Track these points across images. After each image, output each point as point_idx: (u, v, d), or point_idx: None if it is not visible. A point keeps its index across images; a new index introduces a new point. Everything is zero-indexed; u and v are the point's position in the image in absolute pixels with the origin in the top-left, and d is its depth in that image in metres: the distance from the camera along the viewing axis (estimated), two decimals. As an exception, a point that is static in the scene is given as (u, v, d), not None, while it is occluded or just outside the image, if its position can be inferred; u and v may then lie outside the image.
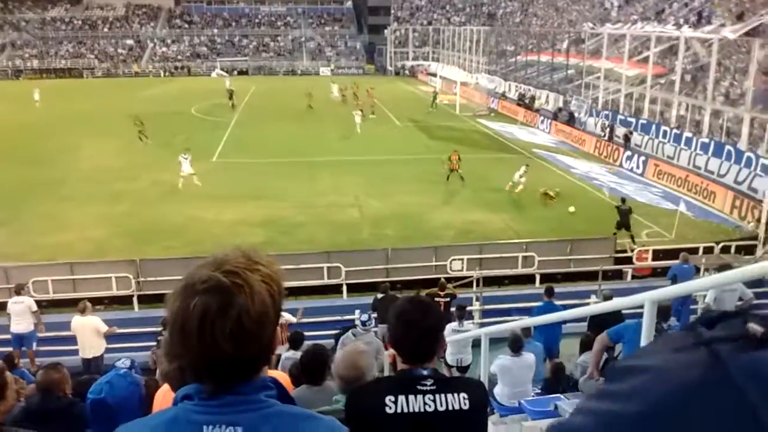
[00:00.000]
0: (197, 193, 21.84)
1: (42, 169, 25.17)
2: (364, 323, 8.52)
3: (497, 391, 7.43)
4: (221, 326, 1.27)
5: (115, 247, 16.96)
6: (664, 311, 6.24)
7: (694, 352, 0.44)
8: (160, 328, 10.58)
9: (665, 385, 0.43)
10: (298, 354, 6.77)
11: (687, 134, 25.96)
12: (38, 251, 16.41)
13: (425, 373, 2.33)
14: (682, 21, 35.62)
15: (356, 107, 38.43)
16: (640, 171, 25.94)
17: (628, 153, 27.34)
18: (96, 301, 14.50)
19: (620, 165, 27.38)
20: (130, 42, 79.77)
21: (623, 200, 18.24)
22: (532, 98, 41.63)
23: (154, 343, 10.56)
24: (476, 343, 9.06)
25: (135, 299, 14.59)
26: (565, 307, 9.56)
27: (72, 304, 13.54)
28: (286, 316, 11.33)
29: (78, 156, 27.63)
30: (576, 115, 34.84)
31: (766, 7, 30.46)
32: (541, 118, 37.45)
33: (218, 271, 1.31)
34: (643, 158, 26.35)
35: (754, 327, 0.45)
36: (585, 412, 0.50)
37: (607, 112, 32.54)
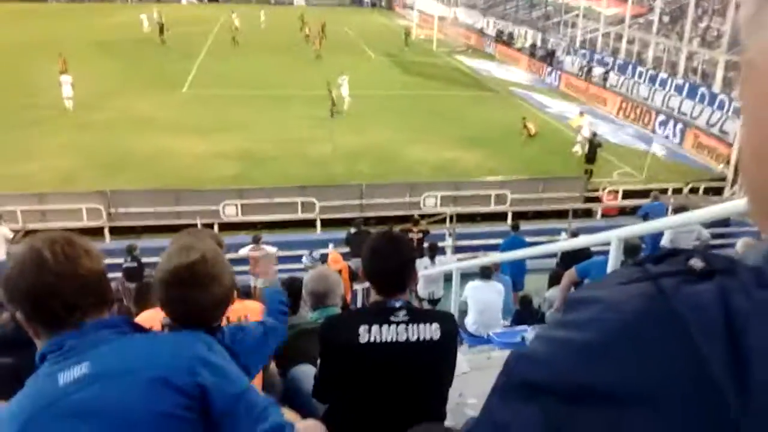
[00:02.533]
0: (168, 124, 21.43)
1: (6, 98, 24.34)
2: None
3: (467, 321, 7.66)
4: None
5: (84, 177, 16.67)
6: (634, 249, 6.40)
7: (641, 286, 0.48)
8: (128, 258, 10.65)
9: (613, 314, 0.47)
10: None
11: (662, 75, 26.01)
12: (5, 181, 16.06)
13: (398, 304, 2.40)
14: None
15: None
16: (677, 140, 22.22)
17: (662, 117, 23.59)
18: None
19: (653, 131, 23.39)
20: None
21: (594, 134, 18.52)
22: (510, 35, 41.09)
23: (120, 274, 10.63)
24: (447, 278, 9.28)
25: (106, 231, 14.49)
26: (535, 245, 9.80)
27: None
28: (269, 249, 11.46)
29: (40, 85, 26.71)
30: (555, 53, 34.58)
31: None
32: (549, 69, 33.39)
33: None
34: (680, 126, 22.45)
35: (696, 262, 0.49)
36: (543, 340, 0.55)
37: (584, 52, 32.33)
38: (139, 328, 1.73)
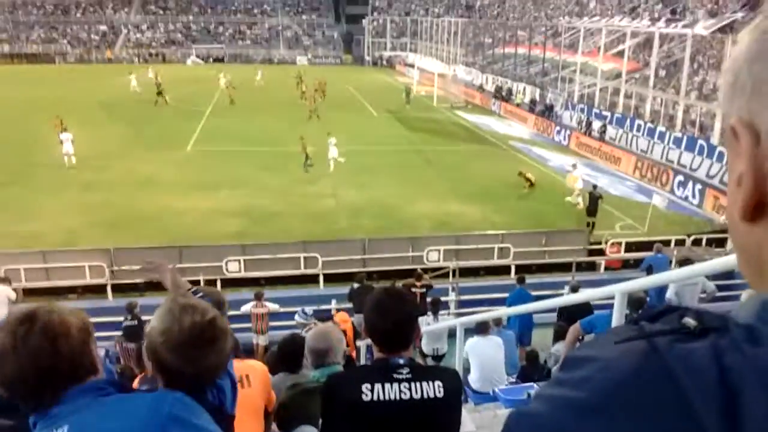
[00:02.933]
0: (172, 182, 21.65)
1: (12, 156, 24.70)
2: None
3: (471, 377, 7.55)
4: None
5: (88, 236, 16.73)
6: (638, 302, 6.37)
7: (636, 344, 0.49)
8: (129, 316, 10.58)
9: (609, 373, 0.48)
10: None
11: (660, 128, 26.34)
12: (9, 239, 16.13)
13: (401, 361, 2.38)
14: (657, 16, 35.98)
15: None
16: (696, 201, 21.27)
17: (681, 178, 22.44)
18: (69, 290, 14.39)
19: (671, 191, 22.21)
20: (103, 28, 78.21)
21: (594, 187, 18.63)
22: (509, 91, 41.85)
23: (120, 332, 10.54)
24: (452, 333, 9.18)
25: (109, 288, 14.45)
26: (539, 298, 9.74)
27: (46, 294, 13.38)
28: (270, 306, 11.41)
29: (48, 143, 27.12)
30: (554, 108, 35.15)
31: (739, 3, 30.94)
32: (558, 128, 32.77)
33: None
34: (699, 186, 21.34)
35: (689, 320, 0.50)
36: (541, 399, 0.55)
37: (582, 106, 32.86)
38: (124, 388, 1.77)
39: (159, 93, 38.47)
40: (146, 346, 1.82)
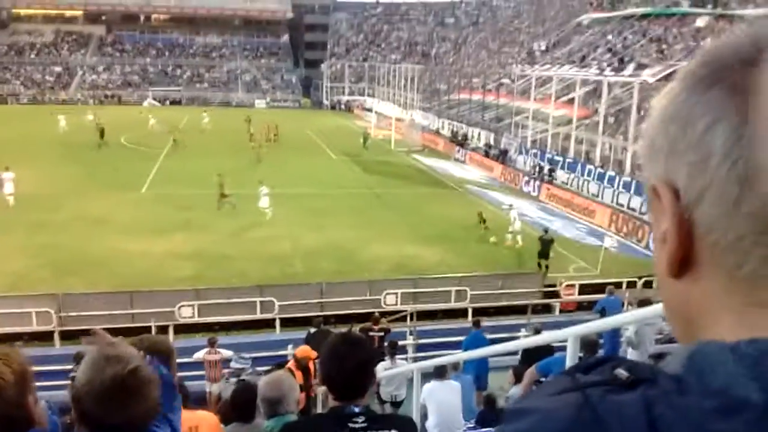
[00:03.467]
0: (124, 226, 21.20)
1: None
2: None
3: (429, 424, 7.47)
4: None
5: (35, 280, 16.19)
6: (591, 345, 6.46)
7: (570, 396, 0.51)
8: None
9: (547, 424, 0.50)
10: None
11: (610, 173, 27.18)
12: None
13: (357, 410, 2.35)
14: (605, 65, 37.52)
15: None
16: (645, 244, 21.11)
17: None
18: (15, 338, 13.79)
19: (647, 247, 21.02)
20: (58, 69, 77.29)
21: (546, 230, 19.04)
22: (465, 136, 42.77)
23: (69, 381, 10.12)
24: (410, 378, 9.10)
25: (56, 335, 13.92)
26: (496, 341, 9.76)
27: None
28: (224, 353, 11.13)
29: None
30: (508, 153, 35.98)
31: (684, 52, 32.55)
32: (526, 178, 31.77)
33: None
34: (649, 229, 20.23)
35: (621, 371, 0.52)
36: None
37: (535, 151, 33.72)
38: None
39: (101, 135, 38.43)
40: (72, 396, 1.76)
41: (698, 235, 0.51)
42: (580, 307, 16.30)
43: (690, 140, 0.51)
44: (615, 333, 10.29)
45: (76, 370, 8.05)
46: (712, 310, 0.52)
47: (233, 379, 7.47)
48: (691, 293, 0.54)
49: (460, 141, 42.21)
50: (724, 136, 0.48)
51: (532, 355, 8.25)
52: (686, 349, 0.51)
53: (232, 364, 8.22)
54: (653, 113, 0.57)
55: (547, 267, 18.13)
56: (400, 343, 11.79)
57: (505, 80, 44.85)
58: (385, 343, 10.86)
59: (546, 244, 18.24)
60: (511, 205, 22.47)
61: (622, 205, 25.02)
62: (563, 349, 6.39)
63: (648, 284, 17.20)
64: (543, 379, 5.99)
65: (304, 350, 9.31)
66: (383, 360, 9.95)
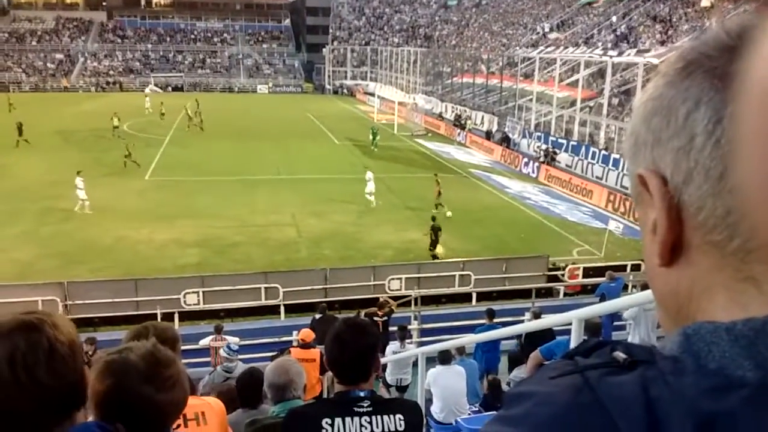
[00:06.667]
0: (128, 212, 21.27)
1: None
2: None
3: (434, 408, 7.52)
4: None
5: (41, 269, 16.27)
6: (594, 328, 6.49)
7: (570, 378, 0.52)
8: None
9: (545, 408, 0.51)
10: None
11: (615, 156, 27.09)
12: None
13: (362, 394, 2.38)
14: (610, 45, 37.28)
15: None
16: None
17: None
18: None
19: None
20: (59, 56, 77.05)
21: (433, 218, 18.71)
22: (458, 117, 42.70)
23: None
24: (416, 363, 9.16)
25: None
26: (501, 325, 9.79)
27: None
28: (230, 340, 11.16)
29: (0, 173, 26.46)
30: (511, 136, 35.85)
31: (689, 32, 32.31)
32: (525, 159, 32.01)
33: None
34: None
35: (619, 354, 0.53)
36: None
37: (539, 134, 33.60)
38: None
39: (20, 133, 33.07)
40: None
41: (687, 216, 0.52)
42: (584, 290, 16.32)
43: (674, 128, 0.52)
44: (613, 317, 10.32)
45: (88, 354, 7.95)
46: (705, 291, 0.53)
47: (220, 369, 7.55)
48: (682, 280, 0.55)
49: (462, 124, 42.09)
50: (706, 118, 0.49)
51: (533, 340, 8.29)
52: (682, 329, 0.52)
53: (222, 352, 8.26)
54: (635, 112, 0.58)
55: (435, 257, 17.90)
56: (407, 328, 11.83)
57: (509, 61, 44.50)
58: (394, 327, 10.89)
59: (435, 232, 18.08)
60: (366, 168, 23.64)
61: (626, 187, 24.96)
62: (566, 333, 6.43)
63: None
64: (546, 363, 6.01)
65: (305, 333, 9.33)
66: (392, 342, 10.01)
